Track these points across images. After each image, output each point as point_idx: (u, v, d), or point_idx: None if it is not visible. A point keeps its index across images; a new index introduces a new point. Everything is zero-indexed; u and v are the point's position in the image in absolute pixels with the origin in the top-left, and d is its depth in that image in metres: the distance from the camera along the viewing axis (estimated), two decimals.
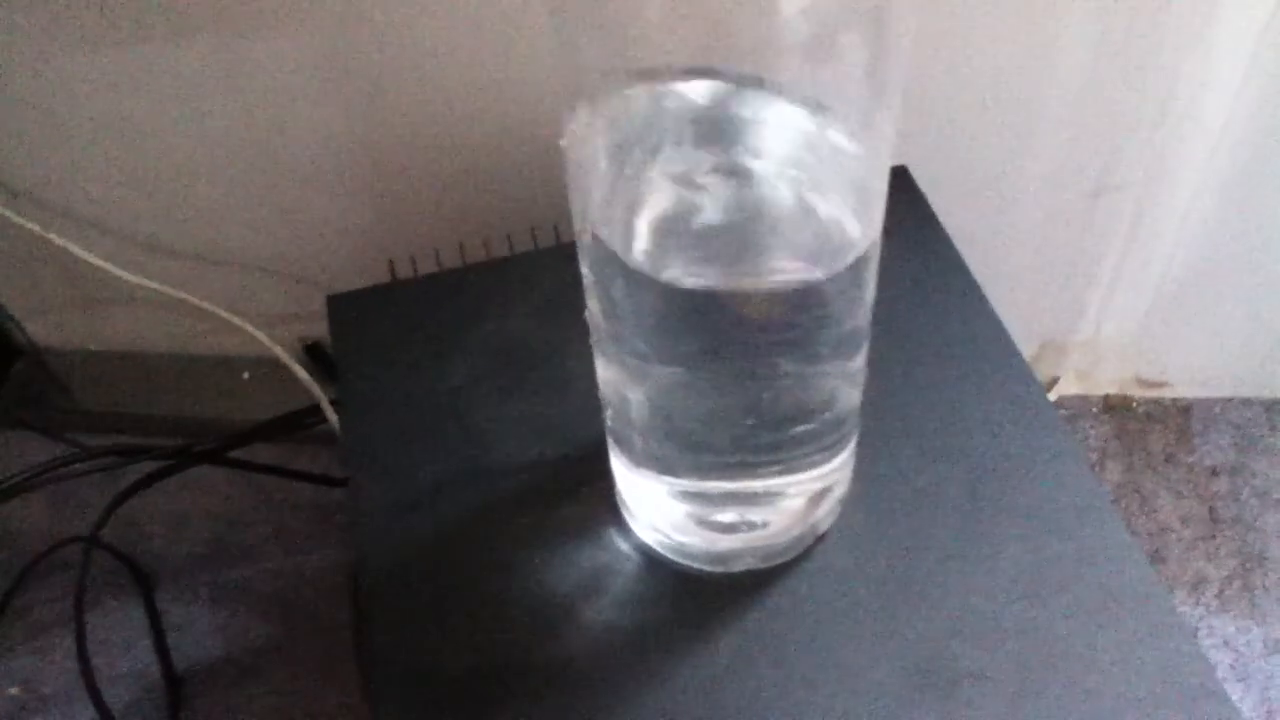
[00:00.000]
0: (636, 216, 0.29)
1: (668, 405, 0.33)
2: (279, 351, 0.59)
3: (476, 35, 0.54)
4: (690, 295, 0.29)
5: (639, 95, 0.30)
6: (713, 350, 0.31)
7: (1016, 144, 0.60)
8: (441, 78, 0.57)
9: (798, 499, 0.36)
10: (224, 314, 0.63)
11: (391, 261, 0.52)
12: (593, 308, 0.32)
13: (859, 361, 0.34)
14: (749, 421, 0.33)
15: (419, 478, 0.42)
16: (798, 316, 0.30)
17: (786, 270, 0.29)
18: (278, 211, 0.64)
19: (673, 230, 0.29)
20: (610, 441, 0.37)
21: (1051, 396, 0.74)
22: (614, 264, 0.29)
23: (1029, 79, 0.56)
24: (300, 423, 0.64)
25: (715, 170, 0.29)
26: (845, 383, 0.34)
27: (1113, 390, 0.75)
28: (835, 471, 0.36)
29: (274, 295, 0.69)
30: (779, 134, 0.30)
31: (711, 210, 0.29)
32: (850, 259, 0.29)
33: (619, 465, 0.38)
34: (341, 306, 0.47)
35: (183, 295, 0.63)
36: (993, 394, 0.42)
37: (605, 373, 0.34)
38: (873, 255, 0.30)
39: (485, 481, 0.41)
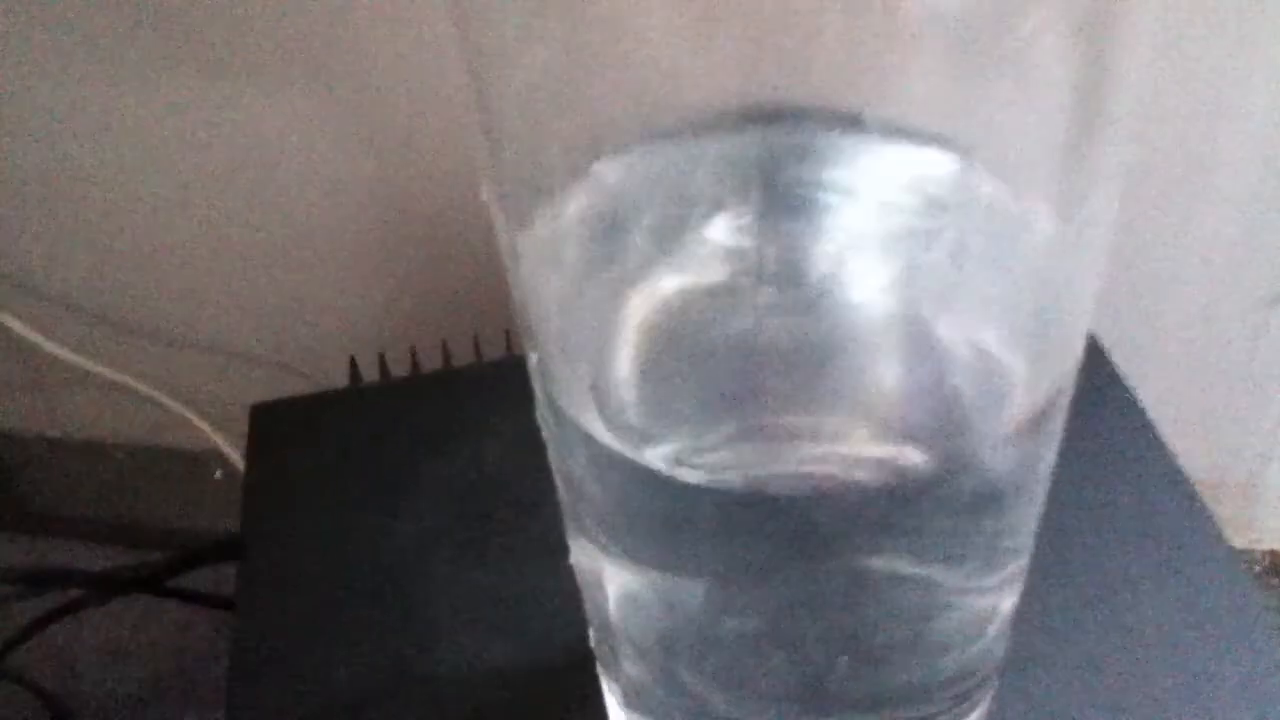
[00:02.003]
0: (613, 345, 0.17)
1: (675, 627, 0.19)
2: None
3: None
4: (716, 496, 0.16)
5: (649, 156, 0.18)
6: (751, 564, 0.18)
7: (1172, 242, 0.46)
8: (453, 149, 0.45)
9: None
10: (185, 412, 0.53)
11: (352, 359, 0.40)
12: (558, 472, 0.19)
13: (1017, 569, 0.20)
14: (821, 659, 0.19)
15: (333, 681, 0.29)
16: (911, 520, 0.16)
17: (891, 454, 0.16)
18: (258, 296, 0.53)
19: (676, 370, 0.17)
20: (598, 663, 0.24)
21: None
22: (573, 432, 0.17)
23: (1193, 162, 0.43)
24: None
25: (766, 265, 0.17)
26: (988, 600, 0.20)
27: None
28: None
29: (250, 387, 0.57)
30: (889, 202, 0.17)
31: (754, 335, 0.16)
32: (1011, 423, 0.16)
33: (610, 701, 0.24)
34: (268, 420, 0.35)
35: (148, 390, 0.53)
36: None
37: (579, 555, 0.21)
38: (1054, 415, 0.17)
39: (425, 697, 0.28)
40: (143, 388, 0.56)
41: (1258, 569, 0.58)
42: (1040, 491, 0.18)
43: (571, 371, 0.17)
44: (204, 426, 0.56)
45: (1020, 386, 0.16)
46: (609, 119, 0.18)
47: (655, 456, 0.16)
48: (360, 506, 0.32)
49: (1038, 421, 0.16)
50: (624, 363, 0.17)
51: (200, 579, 0.54)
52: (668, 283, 0.18)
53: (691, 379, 0.17)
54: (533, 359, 0.17)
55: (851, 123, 0.18)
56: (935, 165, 0.18)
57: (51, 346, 0.54)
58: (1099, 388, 0.33)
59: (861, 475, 0.16)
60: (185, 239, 0.51)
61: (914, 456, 0.16)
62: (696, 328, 0.17)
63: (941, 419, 0.16)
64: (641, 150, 0.18)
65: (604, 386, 0.17)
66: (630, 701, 0.22)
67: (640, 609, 0.19)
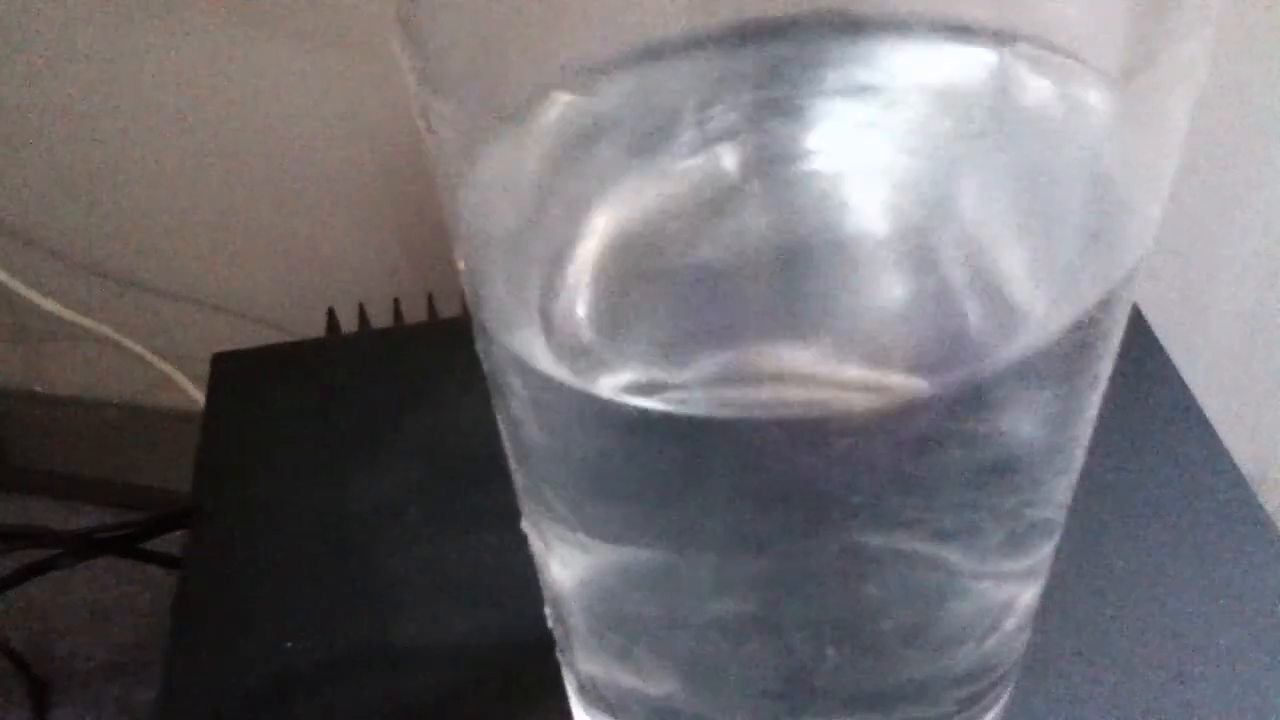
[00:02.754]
0: (567, 260, 0.14)
1: (635, 608, 0.17)
2: None
3: None
4: (683, 427, 0.13)
5: (631, 73, 0.15)
6: (722, 523, 0.15)
7: (1223, 230, 0.43)
8: None
9: None
10: (171, 370, 0.50)
11: (330, 310, 0.37)
12: (501, 422, 0.16)
13: (1043, 552, 0.17)
14: (809, 648, 0.16)
15: (282, 653, 0.26)
16: (916, 467, 0.13)
17: (891, 381, 0.13)
18: (249, 250, 0.50)
19: (638, 288, 0.14)
20: (559, 653, 0.21)
21: None
22: (510, 363, 0.14)
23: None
24: None
25: (756, 148, 0.14)
26: (1008, 587, 0.17)
27: None
28: None
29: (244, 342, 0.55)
30: (904, 101, 0.14)
31: (734, 245, 0.13)
32: (1023, 355, 0.13)
33: (569, 690, 0.22)
34: (229, 371, 0.32)
35: (135, 346, 0.50)
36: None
37: (526, 520, 0.18)
38: (1090, 359, 0.14)
39: (381, 674, 0.26)
40: (130, 343, 0.53)
41: None
42: (1073, 460, 0.15)
43: (515, 294, 0.14)
44: (189, 385, 0.54)
45: (1051, 314, 0.13)
46: (583, 29, 0.15)
47: (608, 385, 0.13)
48: (322, 466, 0.30)
49: (1070, 356, 0.13)
50: (579, 281, 0.14)
51: (181, 541, 0.52)
52: (637, 191, 0.15)
53: (658, 297, 0.14)
54: (466, 281, 0.14)
55: (860, 26, 0.15)
56: (963, 59, 0.15)
57: (36, 298, 0.52)
58: (1145, 369, 0.30)
59: (856, 400, 0.13)
60: (174, 191, 0.49)
61: (918, 384, 0.13)
62: (667, 240, 0.14)
63: (952, 342, 0.13)
64: (622, 67, 0.15)
65: (552, 308, 0.14)
66: (586, 694, 0.20)
67: (590, 584, 0.16)
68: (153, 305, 0.53)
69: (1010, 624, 0.17)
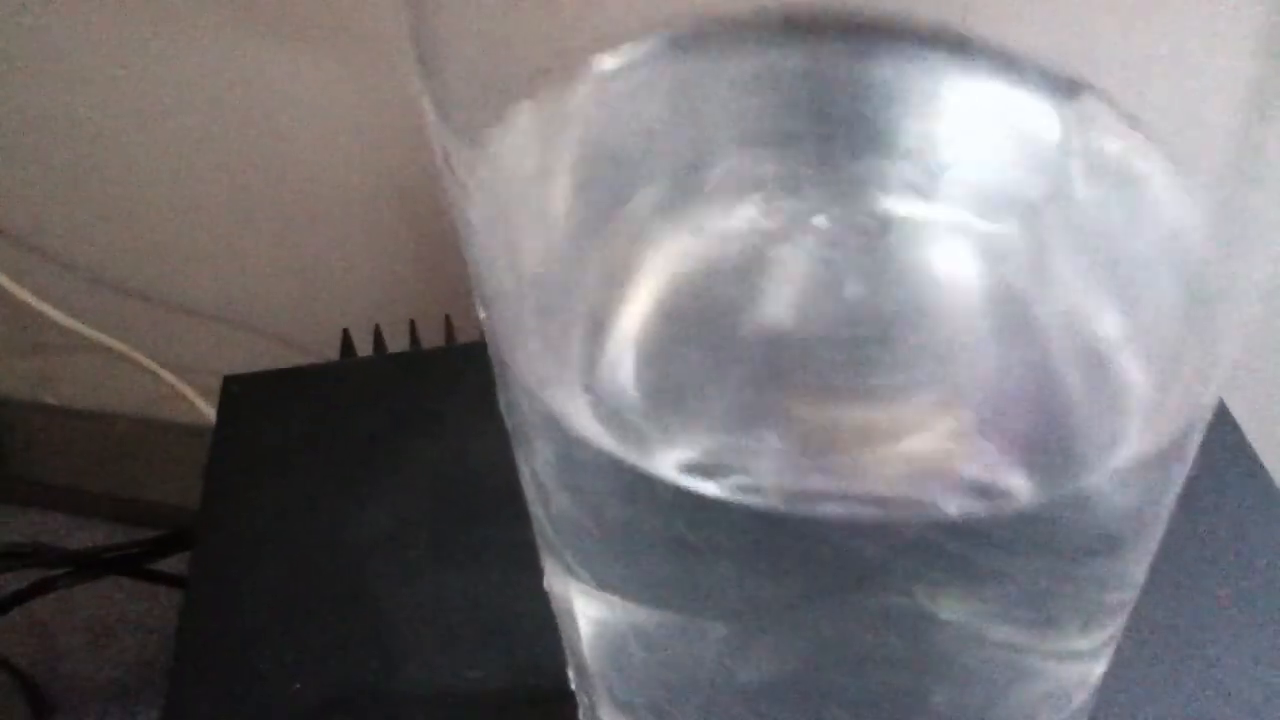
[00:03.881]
0: (611, 316, 0.13)
1: (665, 678, 0.15)
2: None
3: None
4: (743, 515, 0.12)
5: (660, 66, 0.14)
6: (783, 606, 0.13)
7: None
8: None
9: None
10: (182, 385, 0.49)
11: (345, 331, 0.36)
12: (525, 477, 0.15)
13: (1114, 628, 0.16)
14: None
15: (284, 692, 0.25)
16: (994, 563, 0.12)
17: (976, 473, 0.12)
18: (262, 267, 0.49)
19: (692, 353, 0.13)
20: (579, 711, 0.20)
21: None
22: (553, 431, 0.12)
23: None
24: None
25: (808, 190, 0.13)
26: (1077, 667, 0.16)
27: None
28: None
29: (254, 364, 0.54)
30: (983, 143, 0.13)
31: (799, 306, 0.12)
32: (1134, 455, 0.11)
33: None
34: (241, 392, 0.31)
35: (146, 361, 0.49)
36: None
37: (551, 579, 0.17)
38: (1185, 448, 0.12)
39: (387, 704, 0.24)
40: (141, 358, 0.53)
41: None
42: (1154, 542, 0.14)
43: (553, 353, 0.13)
44: (199, 401, 0.53)
45: (1150, 403, 0.12)
46: (606, 13, 0.14)
47: (663, 463, 0.12)
48: (331, 493, 0.29)
49: (1164, 454, 0.12)
50: (625, 343, 0.13)
51: (188, 561, 0.51)
52: (681, 240, 0.14)
53: (719, 367, 0.12)
54: (490, 331, 0.13)
55: (932, 37, 0.14)
56: (1030, 105, 0.13)
57: (47, 310, 0.51)
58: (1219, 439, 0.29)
59: (936, 497, 0.11)
60: (189, 206, 0.48)
61: (1007, 479, 0.11)
62: (722, 300, 0.13)
63: (1049, 431, 0.12)
64: (649, 58, 0.14)
65: (597, 372, 0.13)
66: None
67: (618, 649, 0.15)
68: (165, 320, 0.52)
69: (1077, 701, 0.15)
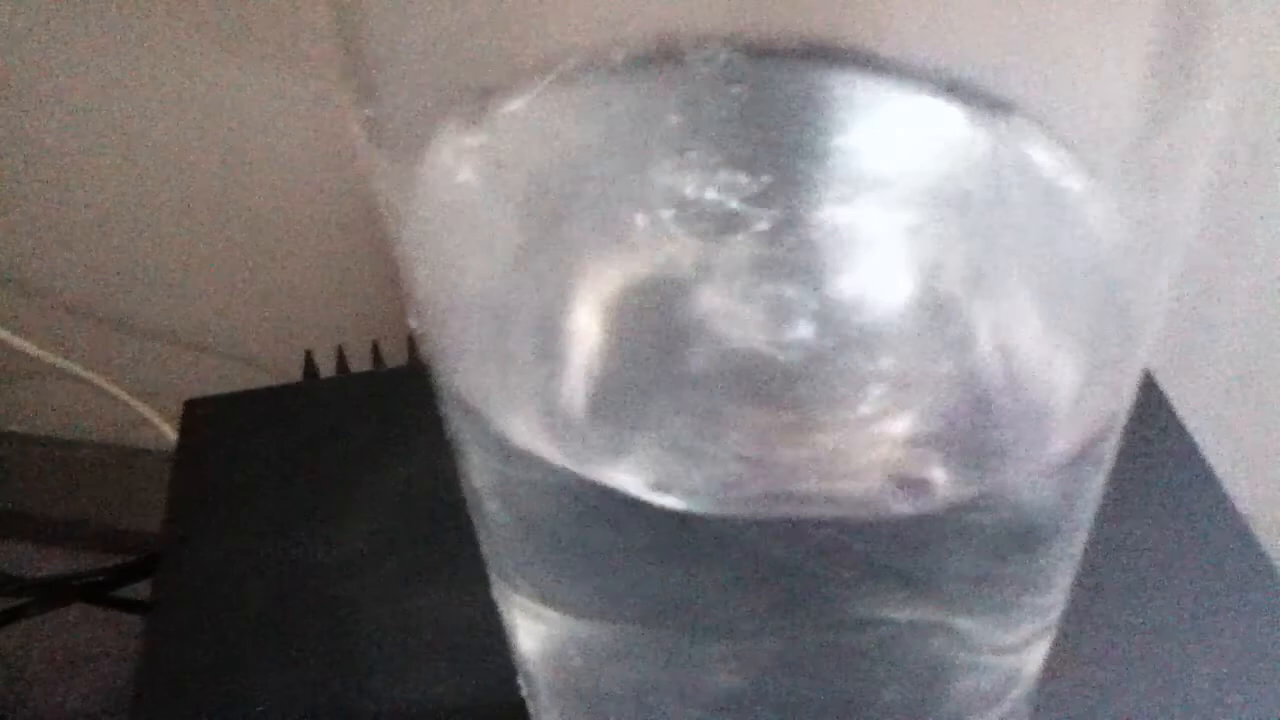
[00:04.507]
0: (561, 335, 0.13)
1: (605, 686, 0.16)
2: None
3: None
4: (688, 522, 0.12)
5: (599, 88, 0.15)
6: (723, 607, 0.14)
7: (1226, 268, 0.42)
8: None
9: None
10: (148, 412, 0.49)
11: (308, 353, 0.36)
12: (468, 494, 0.16)
13: (1046, 620, 0.16)
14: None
15: (252, 707, 0.25)
16: (927, 558, 0.13)
17: (912, 472, 0.12)
18: (228, 290, 0.49)
19: (637, 369, 0.13)
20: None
21: None
22: (488, 443, 0.13)
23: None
24: None
25: (751, 204, 0.13)
26: (1010, 659, 0.16)
27: None
28: None
29: (220, 388, 0.54)
30: (911, 162, 0.14)
31: (748, 321, 0.13)
32: (1059, 447, 0.12)
33: None
34: (203, 416, 0.32)
35: (111, 387, 0.49)
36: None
37: (495, 591, 0.17)
38: (1107, 442, 0.13)
39: None
40: (105, 383, 0.52)
41: None
42: (1082, 533, 0.14)
43: (496, 368, 0.14)
44: (164, 426, 0.52)
45: (1072, 401, 0.12)
46: (542, 35, 0.14)
47: (612, 477, 0.13)
48: (296, 515, 0.29)
49: (1089, 448, 0.12)
50: (572, 360, 0.14)
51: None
52: (626, 252, 0.14)
53: (655, 376, 0.13)
54: (428, 345, 0.13)
55: (862, 61, 0.14)
56: (967, 121, 0.14)
57: (8, 337, 0.51)
58: (1146, 414, 0.29)
59: (872, 496, 0.12)
60: (151, 231, 0.48)
61: (938, 477, 0.12)
62: (666, 317, 0.13)
63: (978, 433, 0.12)
64: (588, 82, 0.14)
65: (545, 389, 0.13)
66: None
67: (557, 658, 0.15)
68: (129, 345, 0.52)
69: (1014, 694, 0.16)
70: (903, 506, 0.12)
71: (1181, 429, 0.29)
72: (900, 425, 0.13)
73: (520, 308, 0.14)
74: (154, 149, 0.45)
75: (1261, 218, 0.41)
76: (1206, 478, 0.28)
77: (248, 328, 0.50)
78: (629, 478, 0.13)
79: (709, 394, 0.13)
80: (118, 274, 0.51)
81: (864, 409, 0.13)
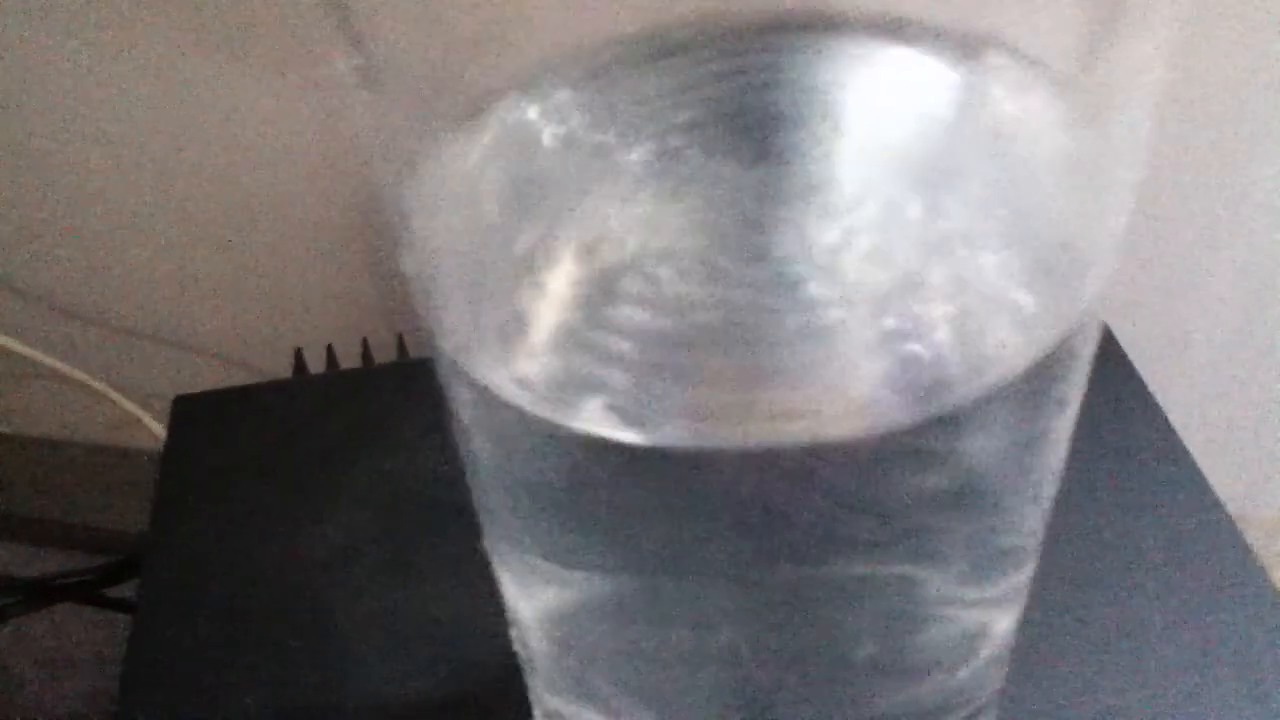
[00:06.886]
0: (534, 278, 0.13)
1: (594, 636, 0.16)
2: None
3: None
4: (653, 458, 0.13)
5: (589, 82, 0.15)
6: (694, 549, 0.14)
7: (1206, 258, 0.43)
8: None
9: None
10: (138, 411, 0.49)
11: (298, 350, 0.37)
12: (460, 447, 0.16)
13: (1014, 580, 0.16)
14: (775, 678, 0.16)
15: (238, 708, 0.25)
16: (896, 489, 0.13)
17: (875, 399, 0.13)
18: (217, 288, 0.49)
19: (613, 302, 0.13)
20: (526, 679, 0.20)
21: None
22: (478, 396, 0.13)
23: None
24: None
25: (721, 164, 0.13)
26: (978, 614, 0.16)
27: None
28: None
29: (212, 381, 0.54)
30: (872, 112, 0.14)
31: (711, 248, 0.13)
32: (1021, 365, 0.12)
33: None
34: (191, 412, 0.32)
35: (101, 386, 0.49)
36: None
37: (486, 539, 0.18)
38: (1061, 381, 0.13)
39: None
40: (95, 383, 0.52)
41: None
42: (1043, 487, 0.14)
43: (474, 316, 0.14)
44: (155, 425, 0.52)
45: (1024, 327, 0.13)
46: (535, 36, 0.14)
47: (577, 417, 0.13)
48: (284, 510, 0.29)
49: (1043, 379, 0.13)
50: (544, 306, 0.14)
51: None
52: (601, 211, 0.15)
53: (630, 327, 0.13)
54: (417, 293, 0.14)
55: (823, 25, 0.15)
56: (930, 67, 0.14)
57: None
58: (1123, 401, 0.30)
59: (832, 430, 0.12)
60: (139, 230, 0.48)
61: (900, 400, 0.12)
62: (636, 265, 0.14)
63: (924, 359, 0.12)
64: (577, 78, 0.15)
65: (518, 334, 0.14)
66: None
67: (549, 610, 0.15)
68: (118, 344, 0.52)
69: (983, 652, 0.16)
70: (863, 424, 0.12)
71: (1165, 422, 0.29)
72: (857, 346, 0.13)
73: (494, 262, 0.14)
74: (142, 148, 0.45)
75: (1245, 211, 0.42)
76: (1191, 472, 0.28)
77: (238, 326, 0.50)
78: (586, 417, 0.13)
79: (676, 340, 0.13)
80: (107, 273, 0.51)
81: (823, 332, 0.13)
